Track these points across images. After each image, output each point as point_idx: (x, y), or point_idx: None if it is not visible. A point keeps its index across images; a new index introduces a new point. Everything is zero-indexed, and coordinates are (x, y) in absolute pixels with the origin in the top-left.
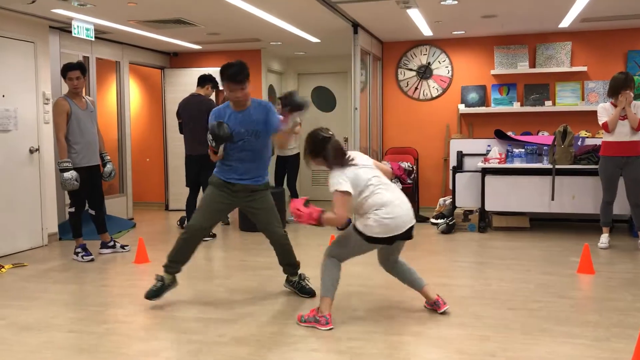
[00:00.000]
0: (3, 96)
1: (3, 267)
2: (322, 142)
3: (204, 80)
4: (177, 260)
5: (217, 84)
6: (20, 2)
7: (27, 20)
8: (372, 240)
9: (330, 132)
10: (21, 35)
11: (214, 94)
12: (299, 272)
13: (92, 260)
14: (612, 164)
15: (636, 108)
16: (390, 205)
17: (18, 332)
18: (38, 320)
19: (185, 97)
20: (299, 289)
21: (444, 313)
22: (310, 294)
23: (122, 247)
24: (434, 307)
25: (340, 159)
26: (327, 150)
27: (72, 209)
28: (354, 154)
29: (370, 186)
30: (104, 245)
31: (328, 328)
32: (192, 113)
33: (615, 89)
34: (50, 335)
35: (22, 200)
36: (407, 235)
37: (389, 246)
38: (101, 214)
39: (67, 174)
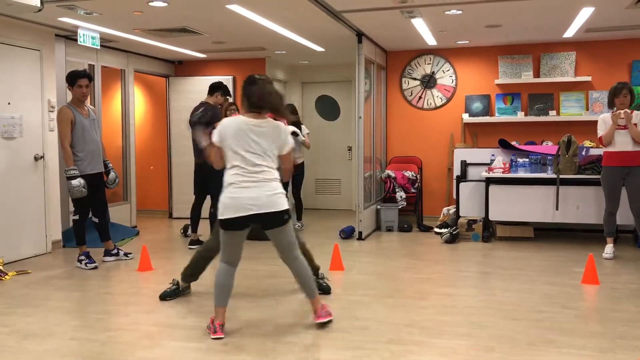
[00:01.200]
0: (9, 104)
1: (7, 274)
2: (249, 82)
3: (213, 88)
4: (193, 273)
5: (228, 91)
6: (26, 11)
7: (34, 29)
8: (224, 226)
9: (264, 77)
10: (27, 43)
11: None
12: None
13: (95, 267)
14: (614, 174)
15: (638, 118)
16: (236, 186)
17: (21, 339)
18: (41, 327)
19: (195, 105)
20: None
21: (321, 325)
22: (325, 291)
23: (126, 254)
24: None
25: (253, 105)
26: (248, 91)
27: (77, 217)
28: (290, 128)
29: (234, 157)
30: (107, 253)
31: (216, 337)
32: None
33: (611, 99)
34: (53, 343)
35: (27, 207)
36: (267, 222)
37: (273, 238)
38: (104, 221)
39: (75, 182)
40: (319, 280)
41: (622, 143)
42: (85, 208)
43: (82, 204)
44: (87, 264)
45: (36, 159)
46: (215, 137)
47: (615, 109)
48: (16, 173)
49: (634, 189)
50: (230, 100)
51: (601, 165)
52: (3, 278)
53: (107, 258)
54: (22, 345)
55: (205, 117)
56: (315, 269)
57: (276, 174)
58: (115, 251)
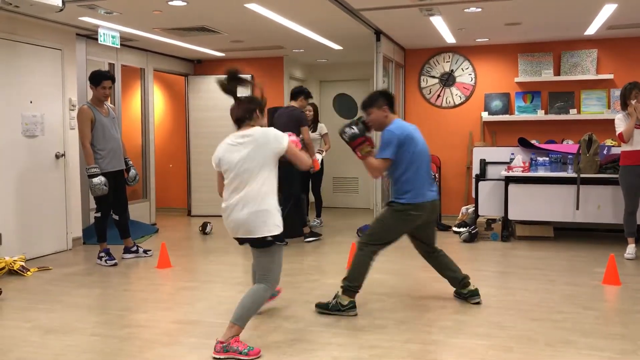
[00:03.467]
0: (31, 102)
1: (29, 270)
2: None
3: (296, 93)
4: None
5: (310, 94)
6: (48, 10)
7: (55, 28)
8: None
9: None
10: (49, 42)
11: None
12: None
13: (115, 264)
14: (633, 173)
15: None
16: (225, 202)
17: (43, 334)
18: (62, 323)
19: (279, 108)
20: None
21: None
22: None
23: (145, 252)
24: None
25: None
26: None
27: (99, 214)
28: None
29: (229, 172)
30: (127, 250)
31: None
32: (283, 121)
33: (623, 100)
34: (74, 339)
35: (48, 204)
36: (251, 242)
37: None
38: (124, 219)
39: (96, 180)
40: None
41: (639, 142)
42: (107, 205)
43: (104, 202)
44: (107, 261)
45: (57, 157)
46: (213, 163)
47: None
48: (38, 171)
49: None
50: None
51: (619, 165)
52: (25, 274)
53: (127, 255)
54: (44, 341)
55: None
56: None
57: (265, 190)
58: (135, 248)
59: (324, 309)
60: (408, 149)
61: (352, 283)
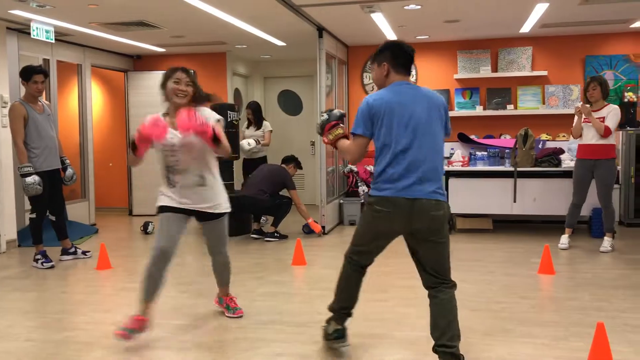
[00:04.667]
0: None
1: None
2: None
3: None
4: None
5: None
6: None
7: None
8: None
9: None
10: None
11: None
12: None
13: (52, 267)
14: (583, 166)
15: (610, 112)
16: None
17: None
18: None
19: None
20: None
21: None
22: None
23: (84, 253)
24: (226, 310)
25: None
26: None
27: (34, 215)
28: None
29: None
30: (64, 252)
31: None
32: (263, 175)
33: (584, 94)
34: (7, 345)
35: None
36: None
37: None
38: (61, 219)
39: (29, 179)
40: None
41: (590, 136)
42: (42, 206)
43: (39, 202)
44: (44, 263)
45: None
46: None
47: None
48: None
49: (599, 182)
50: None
51: (558, 158)
52: None
53: (65, 257)
54: None
55: None
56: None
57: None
58: (73, 250)
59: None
60: (384, 122)
61: (334, 304)
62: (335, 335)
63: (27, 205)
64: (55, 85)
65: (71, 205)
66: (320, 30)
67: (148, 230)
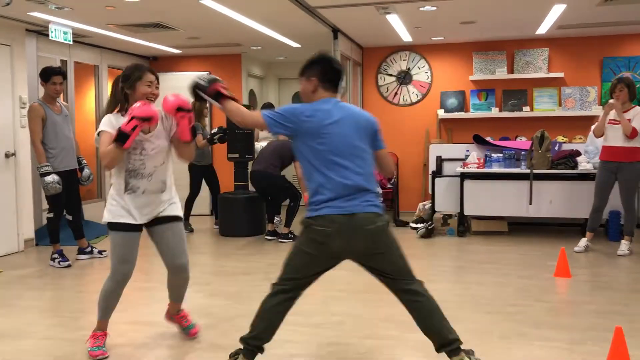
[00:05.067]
0: None
1: None
2: None
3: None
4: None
5: None
6: None
7: (3, 23)
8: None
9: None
10: None
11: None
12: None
13: (69, 266)
14: (606, 168)
15: (637, 115)
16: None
17: None
18: (13, 327)
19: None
20: None
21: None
22: None
23: (100, 252)
24: (182, 331)
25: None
26: None
27: (51, 215)
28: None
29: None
30: (81, 251)
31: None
32: (269, 152)
33: (610, 97)
34: (26, 343)
35: None
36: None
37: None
38: (78, 219)
39: (48, 178)
40: None
41: (614, 138)
42: (59, 206)
43: (57, 202)
44: (61, 262)
45: (7, 156)
46: None
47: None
48: None
49: (623, 185)
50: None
51: (575, 160)
52: None
53: (81, 256)
54: None
55: None
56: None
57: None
58: (89, 249)
59: None
60: (313, 135)
61: (254, 342)
62: None
63: (45, 205)
64: (73, 86)
65: (87, 205)
66: (335, 31)
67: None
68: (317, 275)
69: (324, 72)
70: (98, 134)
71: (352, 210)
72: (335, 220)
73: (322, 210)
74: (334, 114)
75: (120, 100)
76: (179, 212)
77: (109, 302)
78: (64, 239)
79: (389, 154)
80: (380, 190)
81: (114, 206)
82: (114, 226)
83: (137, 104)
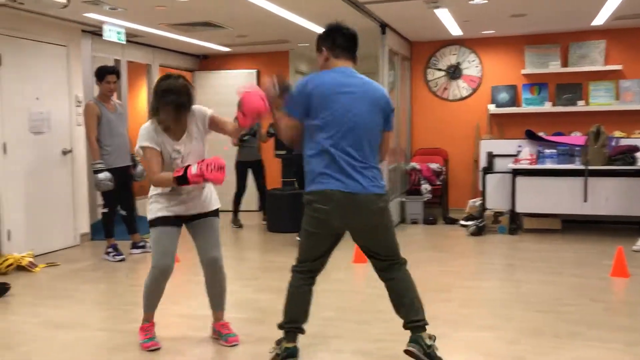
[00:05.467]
0: (37, 99)
1: (37, 266)
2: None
3: None
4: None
5: None
6: (53, 7)
7: (60, 25)
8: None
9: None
10: (54, 39)
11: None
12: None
13: (122, 260)
14: None
15: None
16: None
17: (51, 329)
18: (70, 318)
19: None
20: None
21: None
22: None
23: None
24: (219, 338)
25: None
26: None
27: (106, 210)
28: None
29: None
30: (134, 246)
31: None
32: None
33: None
34: (81, 334)
35: (55, 201)
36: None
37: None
38: (132, 214)
39: (101, 175)
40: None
41: None
42: (113, 201)
43: (111, 197)
44: (115, 257)
45: (64, 153)
46: None
47: None
48: (45, 167)
49: None
50: None
51: (633, 156)
52: (33, 270)
53: (134, 250)
54: (52, 335)
55: None
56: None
57: None
58: (142, 244)
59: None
60: (317, 107)
61: (290, 325)
62: (285, 354)
63: (100, 200)
64: (126, 85)
65: (141, 200)
66: (383, 26)
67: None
68: (326, 253)
69: (332, 39)
70: (142, 148)
71: (354, 188)
72: (334, 197)
73: (321, 184)
74: (344, 83)
75: (154, 108)
76: (216, 205)
77: (151, 298)
78: (118, 234)
79: (392, 138)
80: (382, 167)
81: (156, 205)
82: (154, 222)
83: (213, 161)
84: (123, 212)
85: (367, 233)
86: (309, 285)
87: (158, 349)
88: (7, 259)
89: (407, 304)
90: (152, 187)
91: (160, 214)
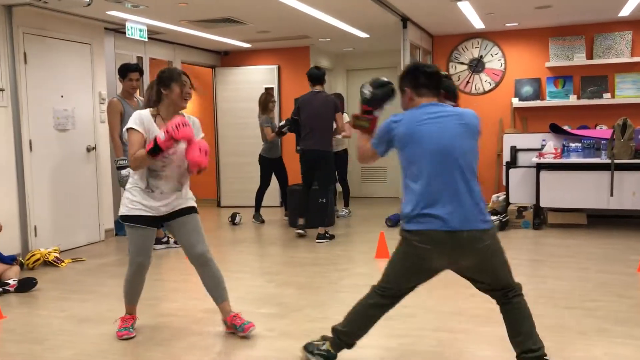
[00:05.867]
0: (62, 97)
1: (63, 261)
2: None
3: (320, 77)
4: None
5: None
6: (76, 5)
7: (83, 23)
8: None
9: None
10: (78, 37)
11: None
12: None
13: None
14: None
15: None
16: None
17: (77, 323)
18: (95, 313)
19: (303, 95)
20: None
21: (246, 337)
22: None
23: (175, 242)
24: (235, 330)
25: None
26: None
27: None
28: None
29: None
30: (157, 241)
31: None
32: (315, 107)
33: None
34: (107, 328)
35: (80, 197)
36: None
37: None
38: None
39: (124, 171)
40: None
41: None
42: None
43: None
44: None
45: (88, 150)
46: None
47: None
48: (70, 164)
49: None
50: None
51: None
52: (60, 265)
53: (158, 246)
54: (78, 329)
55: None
56: None
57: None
58: (166, 239)
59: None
60: (405, 149)
61: (343, 337)
62: (322, 355)
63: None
64: (148, 82)
65: None
66: (405, 20)
67: (235, 221)
68: (415, 286)
69: (414, 78)
70: (127, 130)
71: (455, 226)
72: (435, 238)
73: (419, 224)
74: (425, 113)
75: (153, 99)
76: (192, 203)
77: (131, 291)
78: None
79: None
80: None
81: (130, 201)
82: (129, 219)
83: (176, 119)
84: None
85: (472, 270)
86: (381, 311)
87: (131, 337)
88: (34, 255)
89: (524, 331)
90: (128, 182)
91: (133, 213)
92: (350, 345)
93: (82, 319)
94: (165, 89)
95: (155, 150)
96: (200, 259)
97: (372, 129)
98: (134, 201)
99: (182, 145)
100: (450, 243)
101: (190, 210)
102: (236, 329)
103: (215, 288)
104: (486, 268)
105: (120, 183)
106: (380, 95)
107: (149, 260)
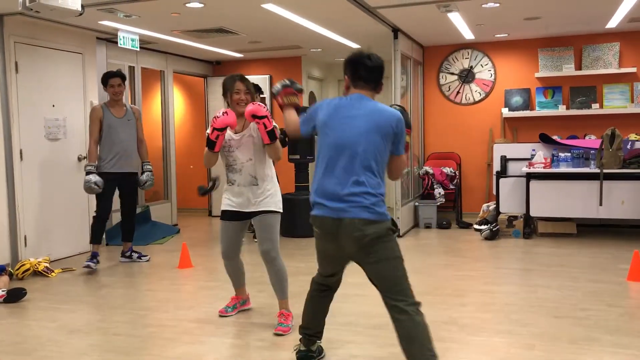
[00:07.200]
0: (53, 106)
1: (53, 271)
2: None
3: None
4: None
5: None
6: (68, 15)
7: (75, 32)
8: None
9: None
10: (70, 46)
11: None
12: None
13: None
14: None
15: None
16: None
17: (67, 334)
18: (85, 323)
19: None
20: None
21: (275, 334)
22: None
23: (140, 257)
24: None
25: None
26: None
27: (95, 214)
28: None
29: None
30: (123, 254)
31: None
32: None
33: None
34: (97, 338)
35: (71, 206)
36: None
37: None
38: (130, 222)
39: (87, 177)
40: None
41: None
42: (103, 206)
43: (101, 202)
44: (92, 264)
45: (79, 159)
46: None
47: None
48: (61, 173)
49: None
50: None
51: None
52: (49, 275)
53: (122, 259)
54: (67, 340)
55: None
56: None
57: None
58: (129, 253)
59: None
60: (321, 129)
61: (306, 330)
62: (298, 356)
63: (116, 206)
64: (140, 91)
65: (154, 206)
66: (395, 31)
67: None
68: (336, 270)
69: (354, 68)
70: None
71: (339, 214)
72: (325, 223)
73: (314, 209)
74: (349, 107)
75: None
76: (270, 207)
77: (230, 276)
78: (136, 239)
79: (404, 161)
80: (383, 192)
81: (223, 198)
82: (221, 215)
83: (219, 113)
84: (121, 218)
85: (360, 260)
86: (323, 299)
87: (226, 316)
88: (23, 264)
89: (414, 353)
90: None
91: (222, 207)
92: (315, 336)
93: (72, 330)
94: (225, 98)
95: (209, 143)
96: (264, 256)
97: (299, 104)
98: (223, 197)
99: (245, 140)
100: (336, 230)
101: (267, 212)
102: (276, 325)
103: (274, 284)
104: (369, 262)
105: (84, 188)
106: (299, 87)
107: (232, 251)
